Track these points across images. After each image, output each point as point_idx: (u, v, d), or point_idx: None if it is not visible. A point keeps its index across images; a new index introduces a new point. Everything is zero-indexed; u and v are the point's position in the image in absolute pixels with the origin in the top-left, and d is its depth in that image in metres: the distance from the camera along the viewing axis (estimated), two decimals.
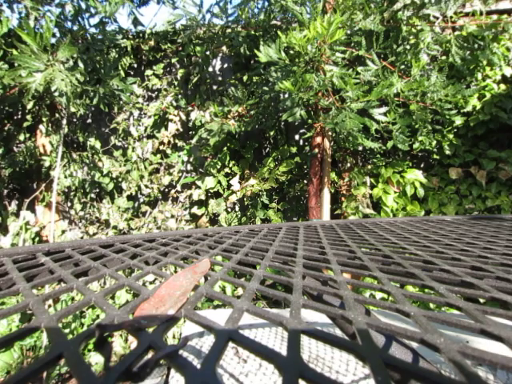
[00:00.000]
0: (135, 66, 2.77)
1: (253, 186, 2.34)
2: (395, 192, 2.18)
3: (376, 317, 0.27)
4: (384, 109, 1.56)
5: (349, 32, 1.70)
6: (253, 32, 2.12)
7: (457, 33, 1.95)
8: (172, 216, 2.56)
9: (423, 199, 2.20)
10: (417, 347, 0.30)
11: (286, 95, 1.71)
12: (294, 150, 2.49)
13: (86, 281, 0.30)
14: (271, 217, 2.38)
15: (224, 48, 2.60)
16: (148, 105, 2.73)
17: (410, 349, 0.30)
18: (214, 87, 2.69)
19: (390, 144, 1.73)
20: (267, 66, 1.87)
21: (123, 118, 2.73)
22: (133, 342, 1.99)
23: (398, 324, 0.19)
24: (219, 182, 2.51)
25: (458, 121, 1.88)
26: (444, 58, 2.10)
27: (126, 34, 2.57)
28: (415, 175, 2.14)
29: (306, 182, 2.47)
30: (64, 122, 2.51)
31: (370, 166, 2.33)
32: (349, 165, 2.36)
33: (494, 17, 1.78)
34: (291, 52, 1.65)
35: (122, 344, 1.91)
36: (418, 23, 1.71)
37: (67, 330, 1.97)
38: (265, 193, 2.45)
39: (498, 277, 0.29)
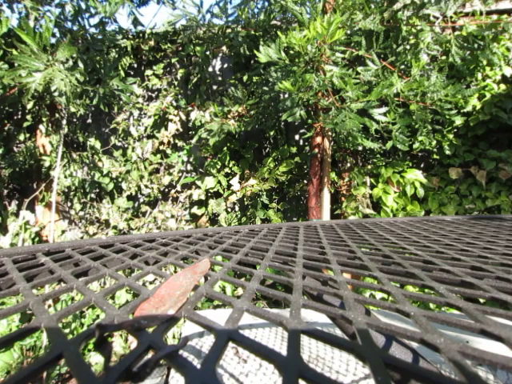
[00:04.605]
0: (135, 65, 2.77)
1: (253, 185, 2.34)
2: (395, 192, 2.18)
3: (376, 317, 0.27)
4: (384, 109, 1.56)
5: (349, 32, 1.70)
6: (253, 32, 2.12)
7: (457, 33, 1.95)
8: (172, 216, 2.56)
9: (423, 199, 2.20)
10: (417, 347, 0.30)
11: (286, 95, 1.71)
12: (294, 150, 2.49)
13: (85, 281, 0.30)
14: (271, 217, 2.38)
15: (224, 48, 2.60)
16: (148, 105, 2.73)
17: (410, 349, 0.30)
18: (214, 87, 2.69)
19: (389, 144, 1.73)
20: (267, 66, 1.87)
21: (123, 118, 2.73)
22: (133, 342, 1.99)
23: (398, 324, 0.19)
24: (219, 181, 2.51)
25: (458, 121, 1.88)
26: (444, 57, 2.10)
27: (126, 34, 2.57)
28: (415, 175, 2.14)
29: (306, 182, 2.47)
30: (64, 122, 2.51)
31: (369, 166, 2.33)
32: (349, 165, 2.36)
33: (494, 17, 1.78)
34: (291, 52, 1.65)
35: (121, 344, 1.91)
36: (418, 23, 1.71)
37: (67, 330, 1.97)
38: (265, 193, 2.45)
39: (498, 277, 0.29)
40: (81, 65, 1.76)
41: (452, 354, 0.16)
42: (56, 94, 1.62)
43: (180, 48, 2.65)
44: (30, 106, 2.51)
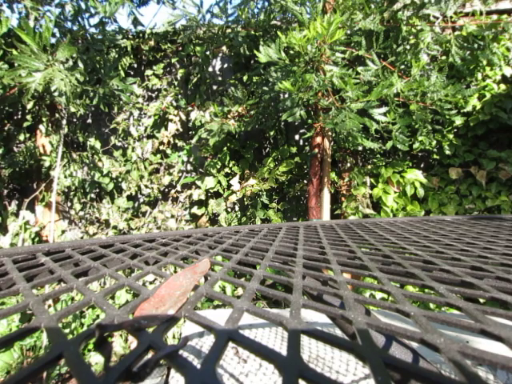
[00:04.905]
0: (135, 65, 2.76)
1: (253, 185, 2.34)
2: (395, 192, 2.18)
3: (376, 317, 0.27)
4: (384, 109, 1.56)
5: (349, 32, 1.70)
6: (253, 32, 2.12)
7: (457, 33, 1.95)
8: (172, 216, 2.56)
9: (423, 199, 2.20)
10: (417, 347, 0.30)
11: (286, 95, 1.71)
12: (294, 150, 2.49)
13: (85, 281, 0.30)
14: (271, 217, 2.38)
15: (224, 48, 2.60)
16: (148, 105, 2.73)
17: (410, 349, 0.30)
18: (214, 87, 2.69)
19: (389, 144, 1.73)
20: (267, 66, 1.87)
21: (123, 118, 2.73)
22: (133, 342, 1.99)
23: (398, 324, 0.19)
24: (219, 182, 2.51)
25: (458, 121, 1.88)
26: (444, 57, 2.10)
27: (126, 34, 2.57)
28: (415, 175, 2.14)
29: (306, 182, 2.47)
30: (64, 122, 2.51)
31: (369, 166, 2.33)
32: (349, 165, 2.36)
33: (494, 17, 1.78)
34: (291, 52, 1.65)
35: (122, 344, 1.91)
36: (418, 23, 1.71)
37: (67, 330, 1.97)
38: (265, 193, 2.45)
39: (498, 277, 0.29)
40: (81, 65, 1.76)
41: (452, 353, 0.16)
42: (56, 94, 1.62)
43: (180, 48, 2.65)
44: (30, 106, 2.51)
